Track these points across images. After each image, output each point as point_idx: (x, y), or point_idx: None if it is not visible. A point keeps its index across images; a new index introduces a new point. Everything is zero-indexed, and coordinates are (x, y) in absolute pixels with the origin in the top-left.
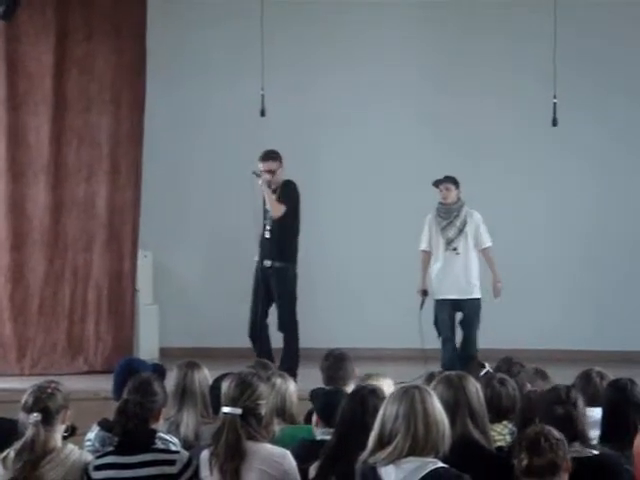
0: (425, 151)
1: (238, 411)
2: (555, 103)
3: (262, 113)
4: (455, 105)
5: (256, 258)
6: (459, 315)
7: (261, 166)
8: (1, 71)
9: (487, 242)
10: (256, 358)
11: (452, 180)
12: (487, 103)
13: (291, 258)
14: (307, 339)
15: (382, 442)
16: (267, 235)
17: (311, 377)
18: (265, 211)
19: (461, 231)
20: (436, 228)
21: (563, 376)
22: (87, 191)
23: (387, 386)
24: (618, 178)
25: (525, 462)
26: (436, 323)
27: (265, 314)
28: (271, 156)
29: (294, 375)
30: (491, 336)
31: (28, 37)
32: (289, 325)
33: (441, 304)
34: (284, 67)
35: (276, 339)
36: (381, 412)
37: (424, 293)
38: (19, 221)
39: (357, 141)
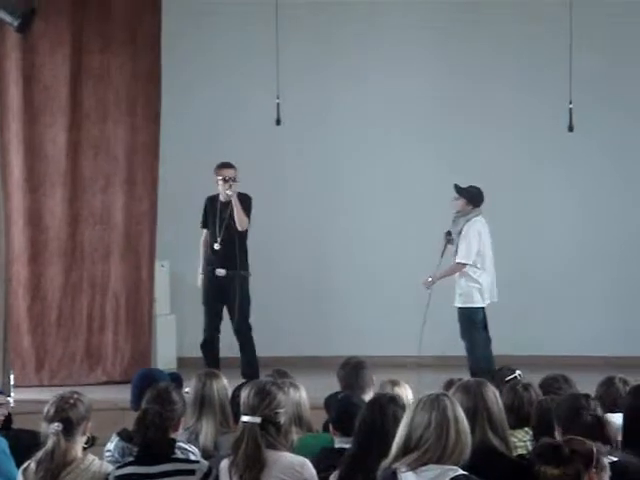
0: (443, 163)
1: (257, 420)
2: (571, 109)
3: (277, 122)
4: (471, 110)
5: (200, 270)
6: None
7: (220, 174)
8: (17, 83)
9: (460, 257)
10: (276, 368)
11: (463, 193)
12: (504, 110)
13: (245, 265)
14: (323, 347)
15: (407, 448)
16: (217, 246)
17: (330, 385)
18: (215, 222)
19: (455, 241)
20: None
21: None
22: (104, 202)
23: (408, 392)
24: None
25: (542, 469)
26: None
27: (219, 325)
28: (230, 165)
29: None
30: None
31: (43, 49)
32: (246, 331)
33: None
34: (300, 75)
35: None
36: (409, 418)
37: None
38: (36, 233)
39: (374, 149)
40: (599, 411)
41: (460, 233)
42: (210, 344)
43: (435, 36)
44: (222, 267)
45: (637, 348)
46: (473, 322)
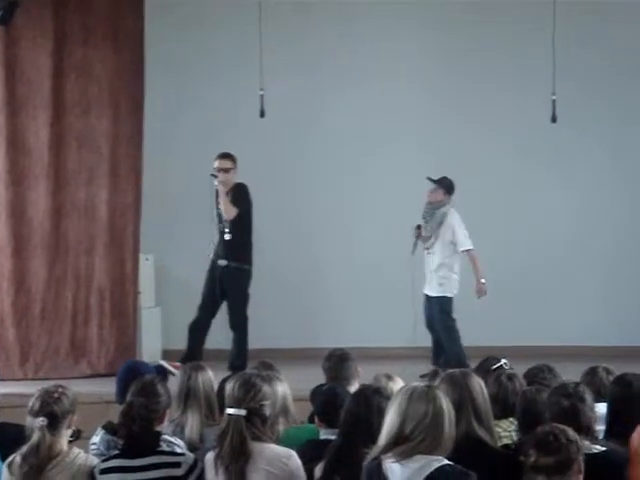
0: (428, 158)
1: (242, 412)
2: (554, 100)
3: (261, 114)
4: (458, 106)
5: (211, 256)
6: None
7: (216, 164)
8: None
9: (464, 245)
10: (261, 360)
11: (442, 183)
12: (490, 105)
13: (246, 258)
14: (309, 339)
15: (399, 439)
16: (227, 237)
17: (316, 377)
18: (219, 213)
19: (434, 231)
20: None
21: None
22: (88, 194)
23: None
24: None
25: (533, 459)
26: None
27: (213, 313)
28: (226, 155)
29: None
30: (522, 333)
31: (26, 41)
32: (240, 324)
33: (424, 299)
34: (283, 68)
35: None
36: (401, 409)
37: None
38: (20, 225)
39: (357, 144)
40: (588, 399)
41: (441, 224)
42: (197, 326)
43: (420, 34)
44: (224, 258)
45: (629, 338)
46: (448, 312)
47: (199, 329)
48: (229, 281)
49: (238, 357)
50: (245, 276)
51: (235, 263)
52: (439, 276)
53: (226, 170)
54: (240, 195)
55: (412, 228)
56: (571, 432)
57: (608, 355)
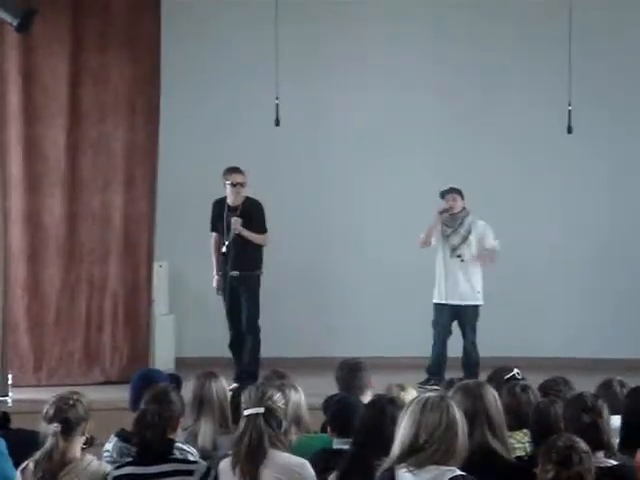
0: (441, 166)
1: (261, 409)
2: (570, 110)
3: (277, 123)
4: (472, 113)
5: (214, 272)
6: (456, 321)
7: (229, 179)
8: (17, 83)
9: (492, 244)
10: (273, 369)
11: (457, 191)
12: (504, 111)
13: (257, 267)
14: (323, 348)
15: (412, 449)
16: (224, 249)
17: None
18: (223, 225)
19: (465, 239)
20: (440, 235)
21: (580, 385)
22: (103, 202)
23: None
24: (634, 179)
25: (552, 474)
26: (434, 326)
27: (241, 324)
28: (238, 170)
29: (256, 378)
30: (510, 344)
31: (43, 49)
32: (252, 332)
33: (440, 308)
34: (298, 77)
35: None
36: (415, 418)
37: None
38: (35, 232)
39: (372, 153)
40: (605, 412)
41: (471, 231)
42: (235, 343)
43: (436, 41)
44: (233, 269)
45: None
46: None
47: (238, 346)
48: (242, 289)
49: (249, 365)
50: (256, 283)
51: (246, 272)
52: (477, 283)
53: (241, 184)
54: (259, 216)
55: (434, 214)
56: (583, 443)
57: (620, 368)
